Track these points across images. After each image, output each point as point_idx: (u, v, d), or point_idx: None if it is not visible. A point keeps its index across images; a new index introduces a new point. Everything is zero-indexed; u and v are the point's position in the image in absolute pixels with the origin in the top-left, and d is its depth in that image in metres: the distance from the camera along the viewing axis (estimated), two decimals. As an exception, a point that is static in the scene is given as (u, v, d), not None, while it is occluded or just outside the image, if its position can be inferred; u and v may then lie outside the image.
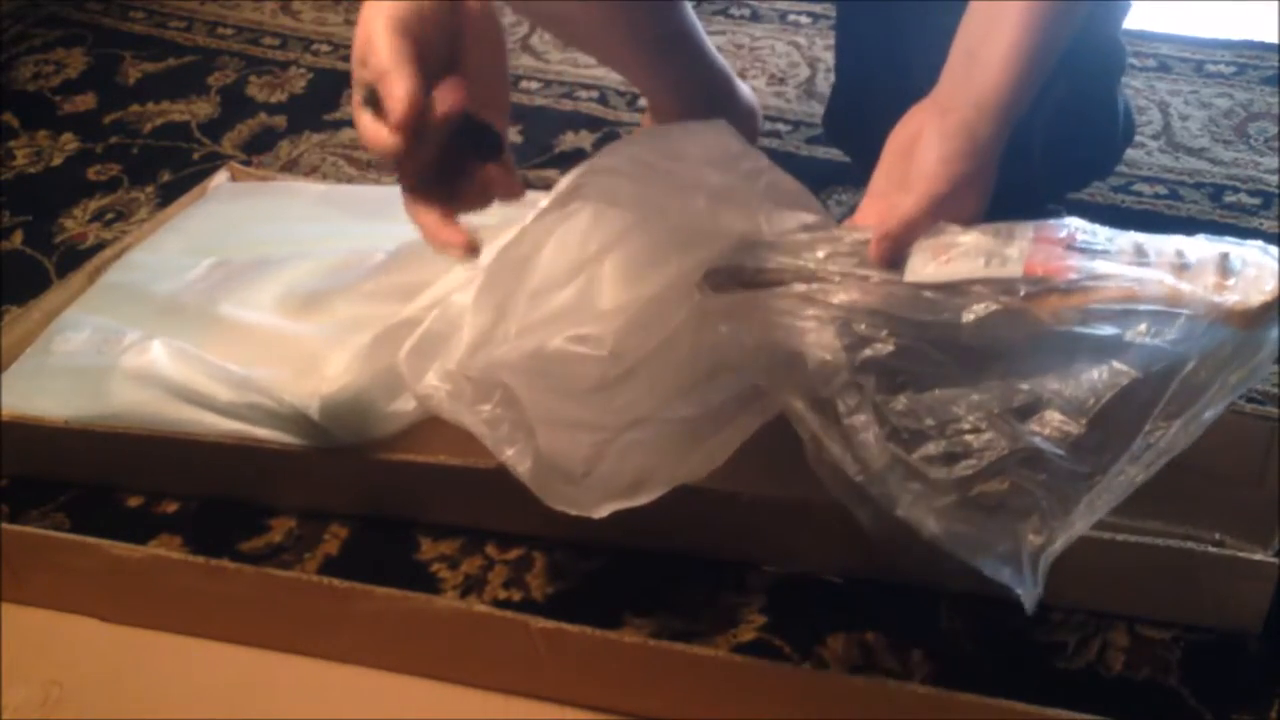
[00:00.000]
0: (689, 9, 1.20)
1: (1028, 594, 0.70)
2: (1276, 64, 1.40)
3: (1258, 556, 0.78)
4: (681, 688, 0.78)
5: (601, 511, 0.78)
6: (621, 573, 0.89)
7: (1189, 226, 1.18)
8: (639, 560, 0.89)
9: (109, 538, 0.88)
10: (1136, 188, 1.23)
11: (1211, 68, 1.41)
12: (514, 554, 0.92)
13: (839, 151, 1.32)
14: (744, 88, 1.26)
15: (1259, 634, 0.81)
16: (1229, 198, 1.22)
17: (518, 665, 0.80)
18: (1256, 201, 1.21)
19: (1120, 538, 0.78)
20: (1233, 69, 1.41)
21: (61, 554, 0.88)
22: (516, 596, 0.89)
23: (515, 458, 0.77)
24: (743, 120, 1.26)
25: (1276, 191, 1.22)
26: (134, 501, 0.99)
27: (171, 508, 0.98)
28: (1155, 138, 1.30)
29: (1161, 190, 1.23)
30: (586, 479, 0.78)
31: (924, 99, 0.79)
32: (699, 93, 1.22)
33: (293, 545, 0.94)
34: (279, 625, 0.84)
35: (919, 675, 0.81)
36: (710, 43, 1.23)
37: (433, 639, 0.81)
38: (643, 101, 1.44)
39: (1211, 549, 0.78)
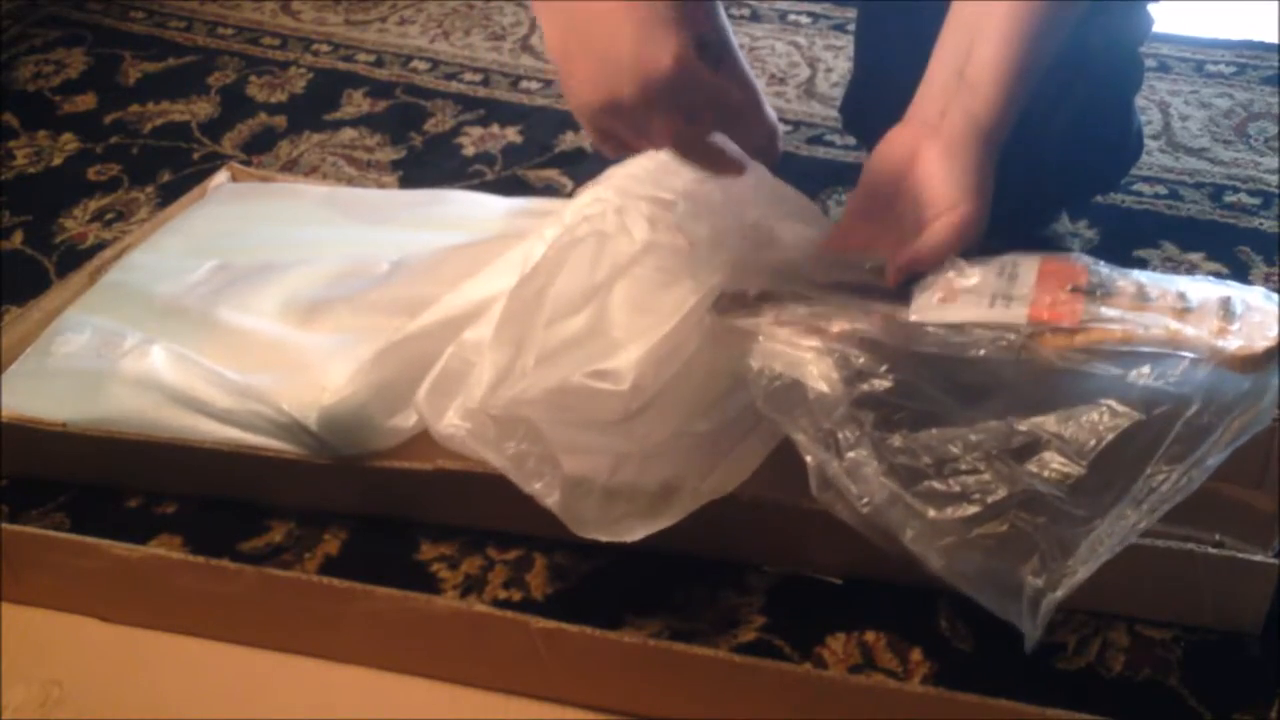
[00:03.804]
0: (725, 18, 1.20)
1: (1029, 634, 0.70)
2: (1276, 64, 1.40)
3: (1258, 557, 0.78)
4: (681, 688, 0.78)
5: (634, 535, 0.79)
6: (621, 573, 0.89)
7: (1189, 226, 1.19)
8: (639, 560, 0.89)
9: (109, 538, 0.88)
10: (1136, 188, 1.23)
11: (1211, 68, 1.41)
12: (514, 554, 0.92)
13: (840, 152, 1.32)
14: (769, 109, 1.26)
15: (1259, 634, 0.81)
16: (1229, 198, 1.22)
17: (518, 665, 0.80)
18: (1256, 201, 1.21)
19: (1120, 538, 0.78)
20: (1233, 69, 1.41)
21: (61, 554, 0.88)
22: (516, 596, 0.89)
23: (543, 490, 0.77)
24: (764, 140, 1.26)
25: (1276, 191, 1.22)
26: (134, 501, 0.99)
27: (171, 508, 0.98)
28: (1155, 138, 1.30)
29: (1161, 190, 1.23)
30: (614, 501, 0.79)
31: (906, 118, 0.78)
32: (726, 102, 1.21)
33: (293, 545, 0.94)
34: (279, 625, 0.84)
35: (919, 675, 0.81)
36: (743, 57, 1.23)
37: (433, 639, 0.81)
38: (643, 101, 1.44)
39: (1211, 549, 0.78)
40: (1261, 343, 0.67)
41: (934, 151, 0.75)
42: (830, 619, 0.85)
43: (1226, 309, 0.69)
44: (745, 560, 0.89)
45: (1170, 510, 0.70)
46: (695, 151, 0.74)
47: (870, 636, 0.84)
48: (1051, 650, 0.82)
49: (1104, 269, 0.73)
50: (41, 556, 0.88)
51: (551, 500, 0.77)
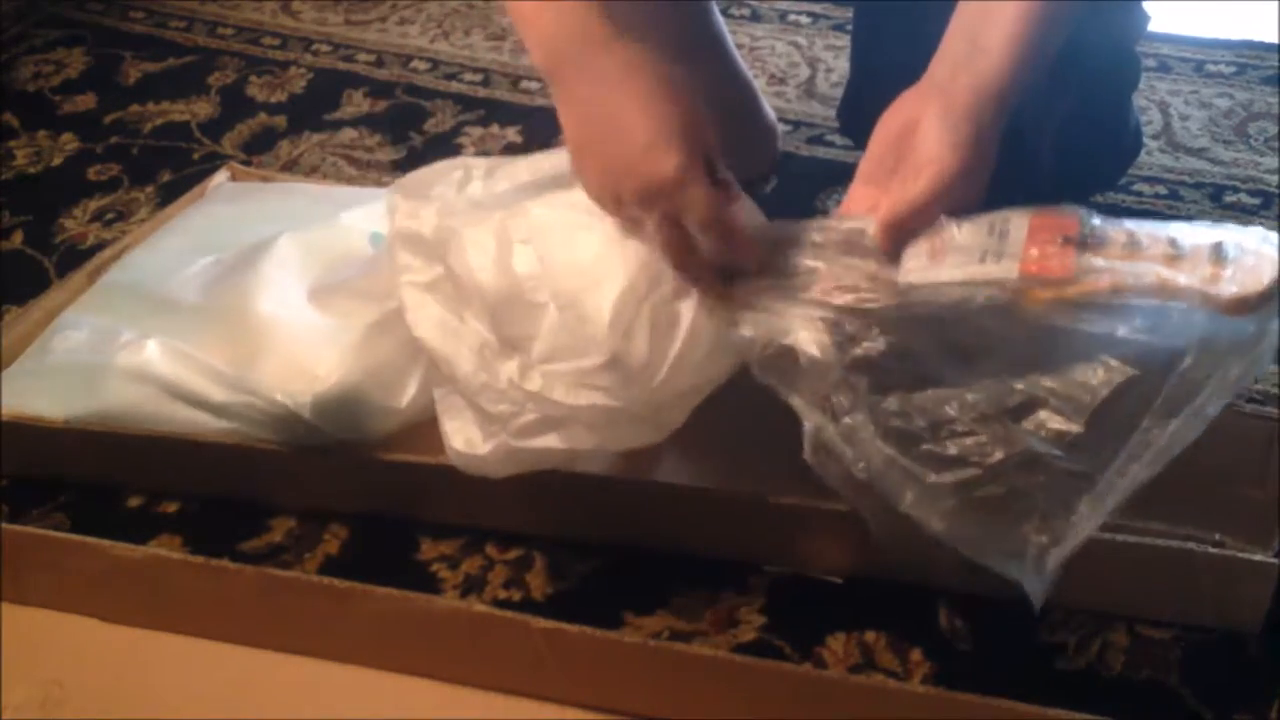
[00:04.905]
0: (719, 17, 1.21)
1: (1035, 592, 0.69)
2: (1276, 64, 1.40)
3: (1258, 556, 0.78)
4: (681, 688, 0.78)
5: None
6: (621, 573, 0.89)
7: (1189, 226, 1.19)
8: (639, 560, 0.89)
9: (109, 538, 0.88)
10: (1137, 188, 1.23)
11: (1211, 68, 1.41)
12: (514, 554, 0.92)
13: (840, 152, 1.32)
14: (767, 107, 1.27)
15: (1259, 634, 0.81)
16: (1229, 198, 1.22)
17: (518, 665, 0.80)
18: (1256, 201, 1.21)
19: (1120, 538, 0.78)
20: (1233, 69, 1.41)
21: (61, 554, 0.88)
22: (516, 596, 0.89)
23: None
24: (762, 138, 1.26)
25: (1276, 191, 1.22)
26: (134, 501, 0.99)
27: (171, 508, 0.98)
28: (1155, 138, 1.30)
29: (1161, 190, 1.23)
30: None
31: (919, 83, 0.78)
32: (722, 102, 1.22)
33: (293, 545, 0.94)
34: (279, 625, 0.84)
35: (919, 675, 0.81)
36: (739, 56, 1.23)
37: (433, 639, 0.82)
38: (643, 101, 1.44)
39: (1211, 549, 0.79)
40: (1254, 286, 0.65)
41: (934, 111, 0.75)
42: (830, 619, 0.85)
43: (1219, 253, 0.67)
44: (745, 560, 0.89)
45: (1170, 510, 0.70)
46: (683, 264, 0.76)
47: (870, 636, 0.84)
48: (1051, 650, 0.82)
49: (1095, 219, 0.72)
50: (41, 556, 0.88)
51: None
